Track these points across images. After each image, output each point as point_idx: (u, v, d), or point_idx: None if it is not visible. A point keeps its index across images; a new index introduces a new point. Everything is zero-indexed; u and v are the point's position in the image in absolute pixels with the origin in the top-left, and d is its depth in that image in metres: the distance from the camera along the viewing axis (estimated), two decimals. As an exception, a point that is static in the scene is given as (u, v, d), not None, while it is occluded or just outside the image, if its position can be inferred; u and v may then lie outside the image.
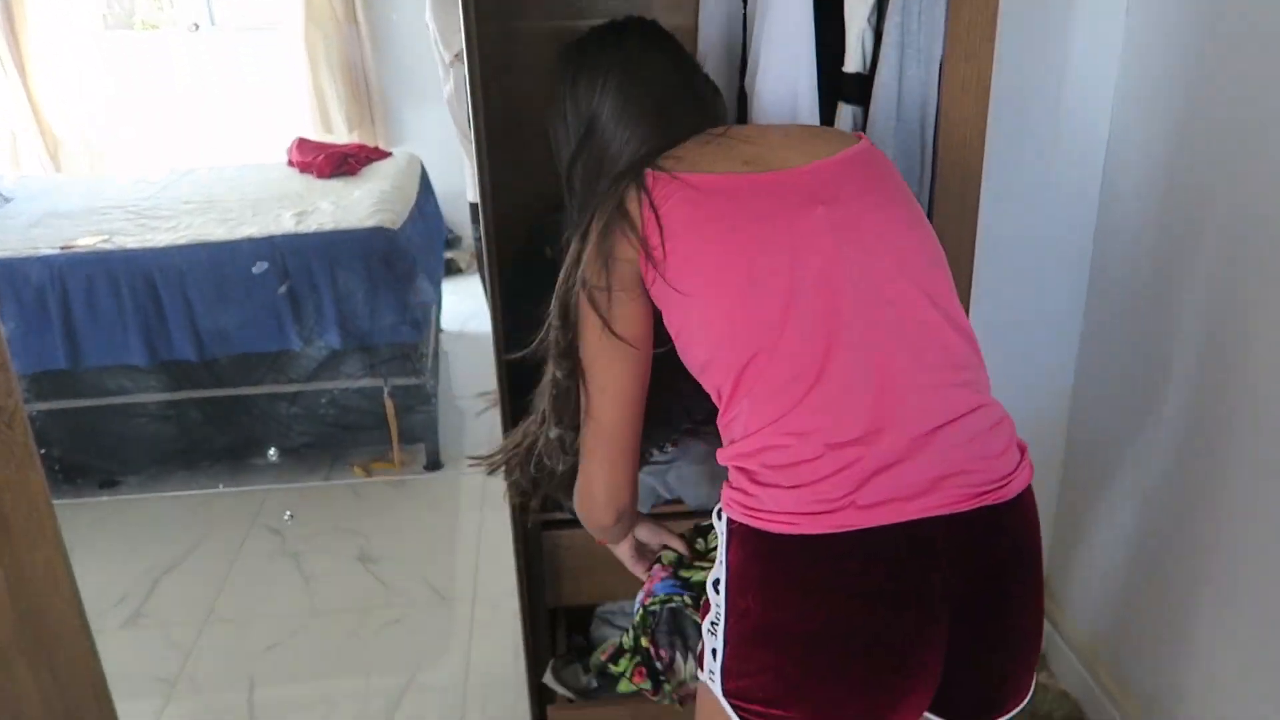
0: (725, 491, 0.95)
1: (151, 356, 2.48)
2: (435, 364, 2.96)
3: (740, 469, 0.93)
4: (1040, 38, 1.67)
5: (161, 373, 2.52)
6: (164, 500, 2.65)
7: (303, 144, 3.47)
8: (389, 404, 2.64)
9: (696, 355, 0.96)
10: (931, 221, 1.19)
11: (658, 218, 0.94)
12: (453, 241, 4.04)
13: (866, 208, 0.95)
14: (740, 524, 0.92)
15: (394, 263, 2.58)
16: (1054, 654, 2.00)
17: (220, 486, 2.66)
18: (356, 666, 2.03)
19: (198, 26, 4.09)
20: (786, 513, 0.89)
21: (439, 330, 3.31)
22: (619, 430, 1.02)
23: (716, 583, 0.95)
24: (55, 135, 4.05)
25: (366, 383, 2.63)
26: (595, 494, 1.05)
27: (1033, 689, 1.01)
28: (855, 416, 0.89)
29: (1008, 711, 0.99)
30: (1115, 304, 1.77)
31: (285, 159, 3.52)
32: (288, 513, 2.52)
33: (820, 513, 0.88)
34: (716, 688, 0.95)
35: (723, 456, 0.96)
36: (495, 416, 1.37)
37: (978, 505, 0.90)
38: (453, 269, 4.11)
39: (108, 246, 2.50)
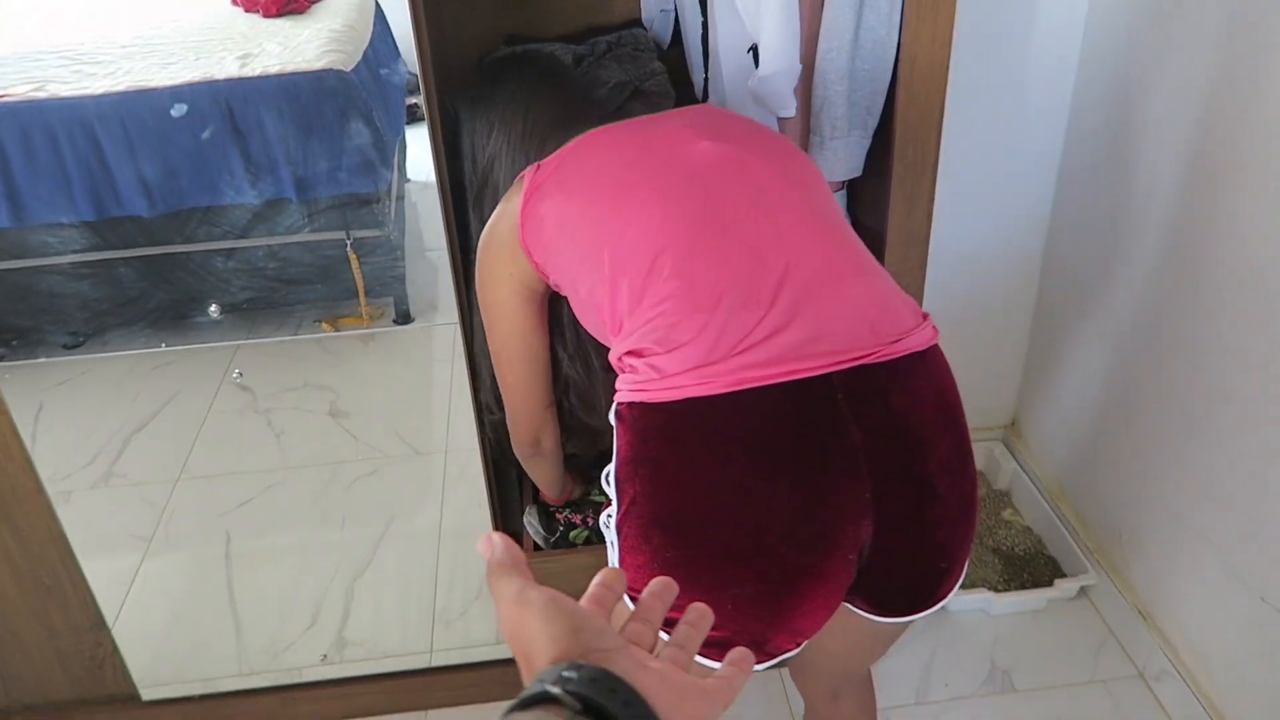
0: (616, 388, 0.91)
1: (99, 211, 2.38)
2: (400, 214, 2.87)
3: (628, 352, 0.88)
4: None
5: (112, 229, 2.43)
6: (130, 359, 2.61)
7: (246, -21, 3.23)
8: (352, 257, 2.56)
9: (582, 289, 0.96)
10: (901, 39, 1.13)
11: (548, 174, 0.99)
12: (415, 86, 3.85)
13: (751, 149, 0.97)
14: (625, 405, 0.87)
15: (348, 107, 2.44)
16: (1020, 491, 2.04)
17: (186, 344, 2.62)
18: (331, 519, 2.05)
19: None
20: (670, 376, 0.83)
21: (405, 179, 3.19)
22: (521, 389, 1.17)
23: (607, 476, 0.91)
24: (-20, -26, 3.76)
25: (327, 235, 2.54)
26: (515, 434, 1.26)
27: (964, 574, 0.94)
28: (738, 278, 0.85)
29: (941, 598, 0.92)
30: (1092, 145, 1.70)
31: (228, -3, 3.28)
32: (237, 371, 2.48)
33: (705, 371, 0.81)
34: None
35: (613, 356, 0.92)
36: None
37: (880, 359, 0.82)
38: (417, 115, 3.93)
39: (41, 95, 2.35)
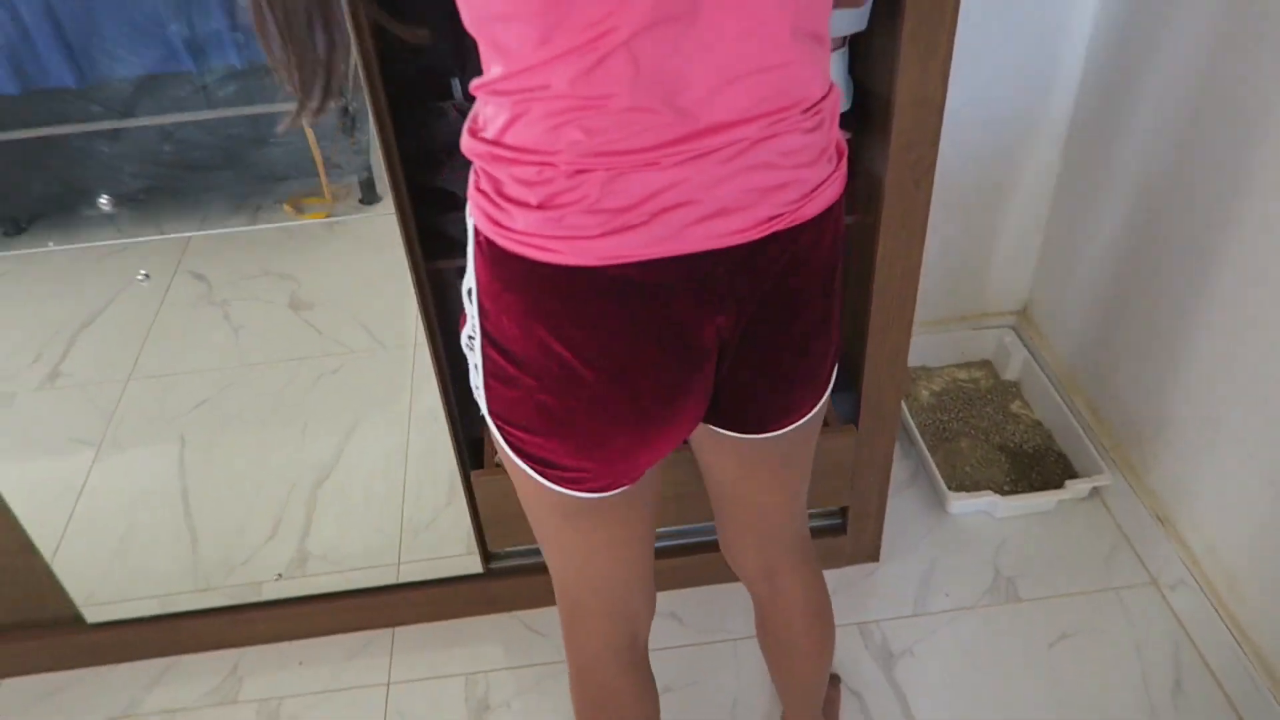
0: (471, 195, 0.76)
1: (23, 84, 2.15)
2: (357, 80, 2.63)
3: (487, 173, 0.74)
4: None
5: (40, 102, 2.20)
6: (73, 251, 2.43)
7: None
8: (308, 132, 2.34)
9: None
10: None
11: None
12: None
13: None
14: (488, 239, 0.75)
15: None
16: (1030, 384, 1.89)
17: (139, 234, 2.42)
18: (292, 421, 1.91)
19: None
20: (542, 236, 0.72)
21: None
22: None
23: (470, 292, 0.80)
24: None
25: (278, 107, 2.31)
26: None
27: (820, 408, 0.93)
28: (644, 120, 0.67)
29: (785, 426, 0.91)
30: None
31: None
32: (142, 272, 2.28)
33: (578, 239, 0.71)
34: (482, 404, 0.84)
35: (469, 148, 0.74)
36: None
37: (770, 231, 0.74)
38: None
39: (-58, -50, 2.08)
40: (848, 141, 1.28)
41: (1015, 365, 1.94)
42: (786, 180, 0.73)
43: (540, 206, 0.70)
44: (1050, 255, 1.87)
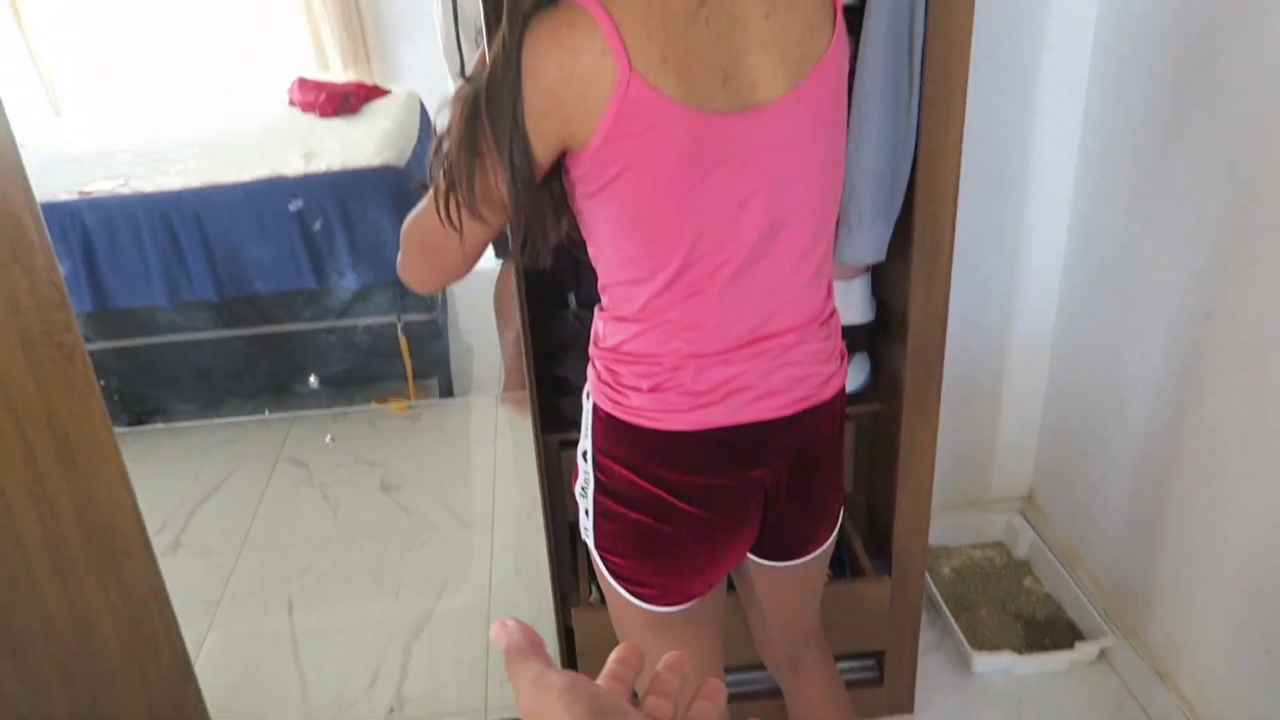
0: (594, 383, 1.09)
1: (173, 296, 2.56)
2: (444, 298, 3.05)
3: (608, 368, 1.07)
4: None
5: (183, 311, 2.61)
6: (192, 432, 2.76)
7: (303, 83, 3.50)
8: (403, 339, 2.73)
9: (599, 246, 1.01)
10: (919, 141, 1.30)
11: (624, 134, 0.90)
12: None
13: (801, 158, 0.98)
14: (607, 413, 1.07)
15: (402, 200, 2.65)
16: (1039, 561, 2.14)
17: (265, 413, 2.77)
18: (386, 588, 2.16)
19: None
20: (650, 410, 1.04)
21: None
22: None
23: (585, 453, 1.11)
24: (53, 78, 4.06)
25: (381, 319, 2.72)
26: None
27: (832, 540, 1.24)
28: (723, 334, 1.02)
29: (809, 554, 1.22)
30: (1095, 235, 1.86)
31: (286, 99, 3.54)
32: (329, 436, 2.66)
33: (676, 412, 1.04)
34: (590, 541, 1.14)
35: (595, 354, 1.09)
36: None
37: (801, 409, 1.08)
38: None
39: (125, 190, 2.56)
40: (873, 347, 1.63)
41: (1024, 545, 2.19)
42: (810, 373, 1.08)
43: (650, 390, 1.04)
44: (1047, 447, 2.17)
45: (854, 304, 1.57)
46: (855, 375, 1.63)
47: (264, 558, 2.28)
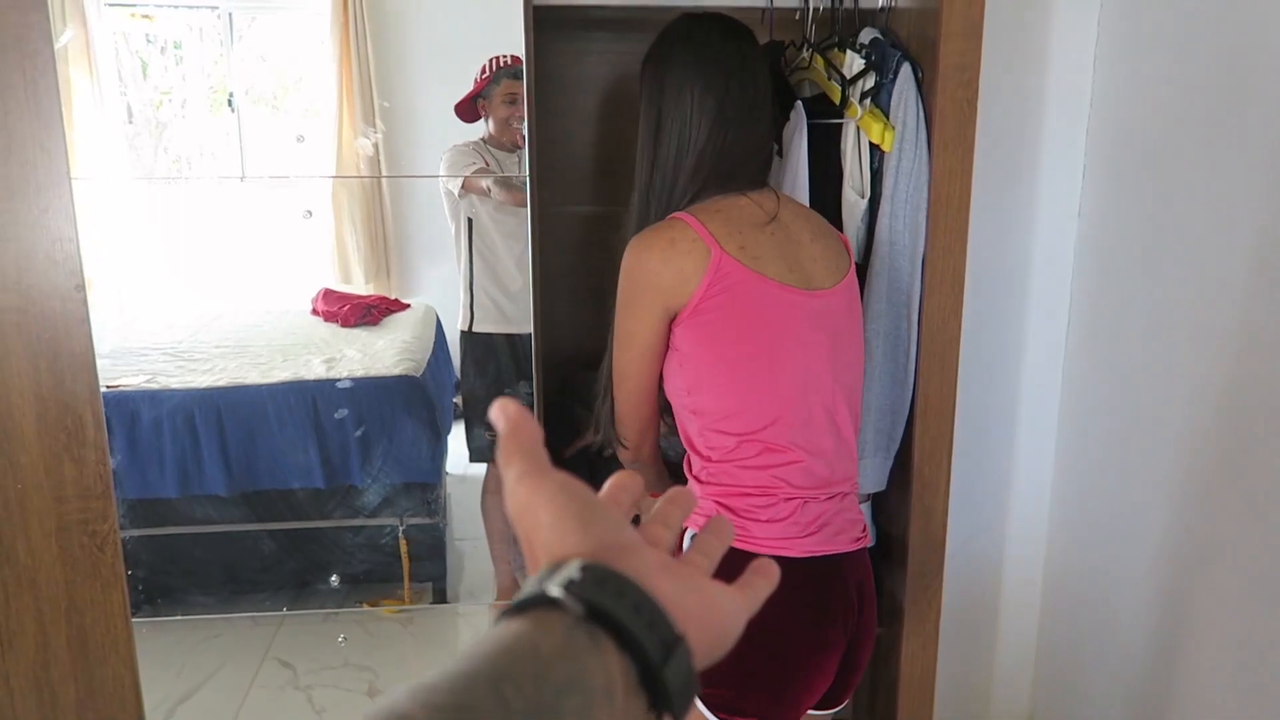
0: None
1: (183, 489, 2.61)
2: (445, 503, 3.10)
3: (721, 504, 1.24)
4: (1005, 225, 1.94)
5: (190, 505, 2.65)
6: (180, 626, 2.72)
7: (328, 294, 3.69)
8: (403, 542, 2.76)
9: (702, 400, 1.26)
10: (916, 380, 1.43)
11: (719, 291, 1.22)
12: (459, 385, 4.23)
13: (844, 341, 1.29)
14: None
15: (418, 408, 2.77)
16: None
17: (278, 609, 2.75)
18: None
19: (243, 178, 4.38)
20: (764, 539, 1.23)
21: (445, 472, 3.46)
22: (640, 395, 1.34)
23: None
24: (86, 276, 4.27)
25: (383, 521, 2.76)
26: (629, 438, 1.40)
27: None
28: (813, 478, 1.25)
29: (841, 703, 1.38)
30: (1075, 475, 1.97)
31: (309, 307, 3.73)
32: (342, 636, 2.63)
33: (786, 539, 1.24)
34: None
35: (693, 436, 1.28)
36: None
37: (858, 547, 1.31)
38: (459, 412, 4.28)
39: (152, 386, 2.67)
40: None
41: (1024, 784, 2.15)
42: (858, 518, 1.30)
43: (767, 521, 1.23)
44: (1044, 671, 2.18)
45: (855, 528, 1.65)
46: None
47: (243, 763, 2.20)
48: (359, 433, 2.67)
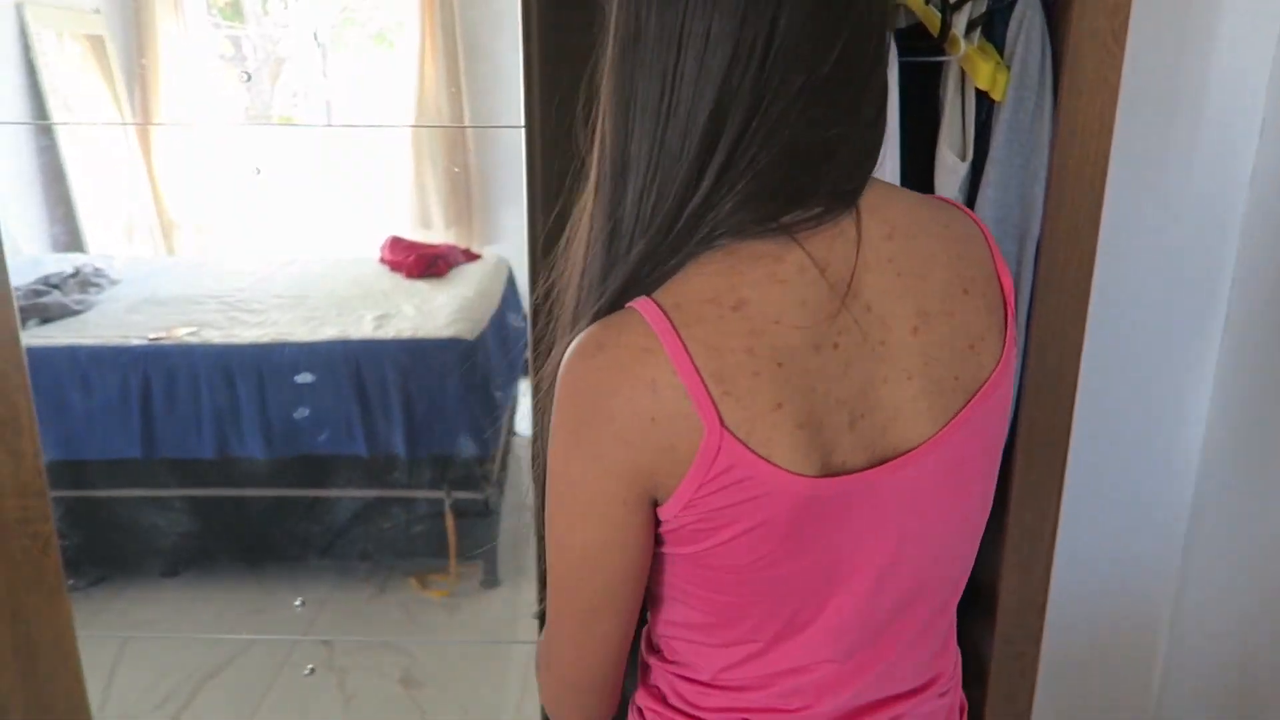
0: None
1: (220, 451, 2.50)
2: (503, 474, 2.91)
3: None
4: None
5: (224, 469, 2.54)
6: (217, 595, 2.63)
7: (395, 242, 3.53)
8: (449, 518, 2.59)
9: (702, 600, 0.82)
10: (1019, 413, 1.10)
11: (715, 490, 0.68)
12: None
13: (936, 518, 0.77)
14: None
15: (468, 374, 2.57)
16: None
17: (276, 589, 2.63)
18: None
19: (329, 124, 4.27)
20: None
21: (511, 434, 3.27)
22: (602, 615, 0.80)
23: None
24: (170, 218, 4.24)
25: (428, 493, 2.59)
26: (561, 670, 0.83)
27: None
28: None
29: None
30: (1222, 496, 1.61)
31: (378, 255, 3.58)
32: (298, 599, 2.46)
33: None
34: None
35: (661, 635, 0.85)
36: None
37: None
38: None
39: (193, 340, 2.56)
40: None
41: None
42: None
43: None
44: (1163, 738, 1.84)
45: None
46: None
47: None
48: (403, 398, 2.49)
